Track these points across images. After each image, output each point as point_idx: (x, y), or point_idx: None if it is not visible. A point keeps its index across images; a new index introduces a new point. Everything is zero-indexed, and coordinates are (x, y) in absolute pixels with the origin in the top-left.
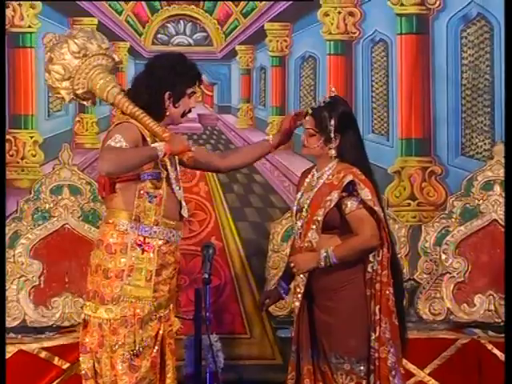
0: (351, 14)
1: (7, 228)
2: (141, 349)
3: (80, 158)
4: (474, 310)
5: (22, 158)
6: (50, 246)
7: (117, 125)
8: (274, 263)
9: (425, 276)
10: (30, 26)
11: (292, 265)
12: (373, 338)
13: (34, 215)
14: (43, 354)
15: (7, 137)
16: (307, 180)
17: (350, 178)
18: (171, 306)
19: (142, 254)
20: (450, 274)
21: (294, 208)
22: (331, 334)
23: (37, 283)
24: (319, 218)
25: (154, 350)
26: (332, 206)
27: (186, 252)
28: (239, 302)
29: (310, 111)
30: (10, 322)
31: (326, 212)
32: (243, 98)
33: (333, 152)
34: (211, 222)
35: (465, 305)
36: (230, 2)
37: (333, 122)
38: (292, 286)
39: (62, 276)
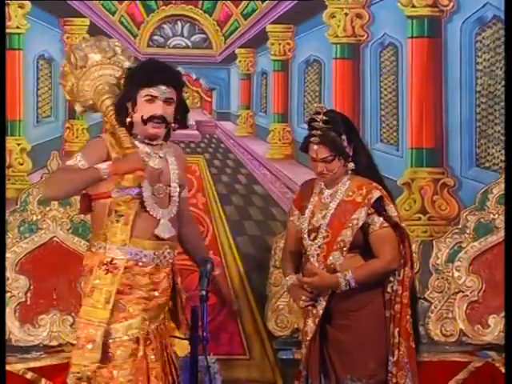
0: (359, 15)
1: None
2: (87, 373)
3: None
4: (488, 331)
5: (9, 167)
6: (37, 260)
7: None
8: (275, 280)
9: (436, 295)
10: (18, 27)
11: (309, 289)
12: (391, 361)
13: (20, 227)
14: (29, 375)
15: None
16: (314, 197)
17: (377, 194)
18: (160, 328)
19: (106, 274)
20: (463, 292)
21: (304, 227)
22: (347, 355)
23: (23, 300)
24: (346, 239)
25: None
26: (360, 225)
27: (182, 267)
28: (238, 320)
29: (315, 141)
30: None
31: (354, 232)
32: (243, 104)
33: (351, 165)
34: (209, 236)
35: (478, 326)
36: (230, 3)
37: (344, 137)
38: (302, 305)
39: (49, 292)
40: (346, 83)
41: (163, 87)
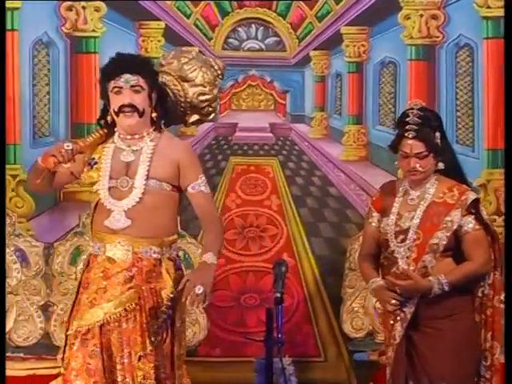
0: (434, 16)
1: (69, 243)
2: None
3: None
4: None
5: None
6: None
7: None
8: (350, 282)
9: None
10: (94, 30)
11: (399, 292)
12: (484, 365)
13: None
14: None
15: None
16: (399, 199)
17: (473, 195)
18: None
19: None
20: None
21: (390, 229)
22: (437, 362)
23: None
24: (440, 242)
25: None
26: (455, 227)
27: (256, 269)
28: (313, 322)
29: (411, 135)
30: None
31: (450, 235)
32: (317, 106)
33: (441, 165)
34: (283, 238)
35: None
36: (304, 5)
37: (438, 134)
38: (391, 308)
39: None
40: (421, 84)
41: (127, 75)
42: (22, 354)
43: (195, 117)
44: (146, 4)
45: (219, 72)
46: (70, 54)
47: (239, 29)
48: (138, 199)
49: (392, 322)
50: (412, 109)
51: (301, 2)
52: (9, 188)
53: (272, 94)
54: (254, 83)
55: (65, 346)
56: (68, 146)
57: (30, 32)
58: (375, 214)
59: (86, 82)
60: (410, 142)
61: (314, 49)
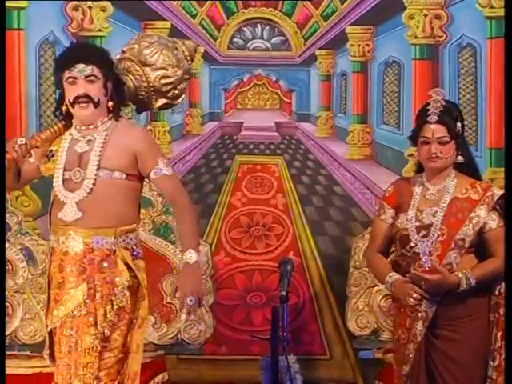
0: (437, 16)
1: None
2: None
3: None
4: None
5: None
6: None
7: None
8: (355, 280)
9: None
10: (100, 30)
11: (423, 287)
12: (492, 366)
13: None
14: None
15: (25, 141)
16: (416, 194)
17: (499, 192)
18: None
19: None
20: None
21: (411, 225)
22: (457, 365)
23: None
24: (466, 238)
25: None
26: (481, 223)
27: (262, 268)
28: (318, 321)
29: (433, 120)
30: None
31: (476, 230)
32: (323, 105)
33: (460, 158)
34: (289, 236)
35: None
36: (310, 5)
37: (459, 125)
38: (412, 302)
39: None
40: (425, 84)
41: (82, 65)
42: (28, 352)
43: (162, 101)
44: (152, 4)
45: (186, 54)
46: None
47: (245, 28)
48: (88, 190)
49: (410, 320)
50: (434, 99)
51: (306, 1)
52: None
53: (278, 93)
54: (259, 82)
55: (50, 344)
56: (22, 141)
57: (36, 31)
58: (389, 211)
59: None
60: (432, 126)
61: (320, 48)
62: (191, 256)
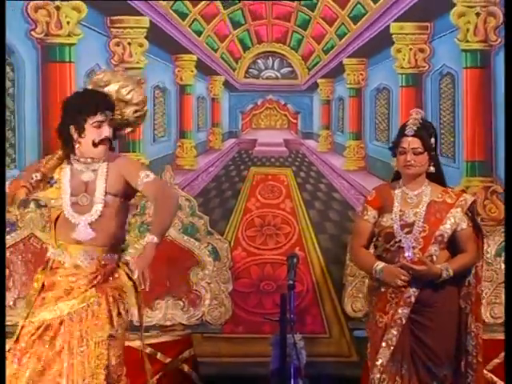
0: (421, 50)
1: None
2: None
3: (180, 177)
4: None
5: None
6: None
7: None
8: (351, 271)
9: (486, 284)
10: (137, 62)
11: (410, 276)
12: (472, 344)
13: (140, 228)
14: (148, 350)
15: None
16: (397, 198)
17: (471, 198)
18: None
19: (43, 269)
20: None
21: (397, 224)
22: (433, 343)
23: (143, 287)
24: (445, 234)
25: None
26: (457, 222)
27: (273, 261)
28: (320, 305)
29: (410, 133)
30: None
31: (453, 229)
32: (324, 125)
33: (432, 169)
34: (295, 235)
35: None
36: (313, 41)
37: (433, 140)
38: (400, 283)
39: (164, 281)
40: (410, 107)
41: (108, 112)
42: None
43: (129, 129)
44: (181, 40)
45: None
46: None
47: (258, 60)
48: (99, 213)
49: (389, 306)
50: (413, 117)
51: (310, 38)
52: None
53: (286, 115)
54: (270, 106)
55: (18, 337)
56: (36, 176)
57: (84, 64)
58: (372, 212)
59: None
60: (409, 138)
61: (321, 77)
62: (147, 239)
